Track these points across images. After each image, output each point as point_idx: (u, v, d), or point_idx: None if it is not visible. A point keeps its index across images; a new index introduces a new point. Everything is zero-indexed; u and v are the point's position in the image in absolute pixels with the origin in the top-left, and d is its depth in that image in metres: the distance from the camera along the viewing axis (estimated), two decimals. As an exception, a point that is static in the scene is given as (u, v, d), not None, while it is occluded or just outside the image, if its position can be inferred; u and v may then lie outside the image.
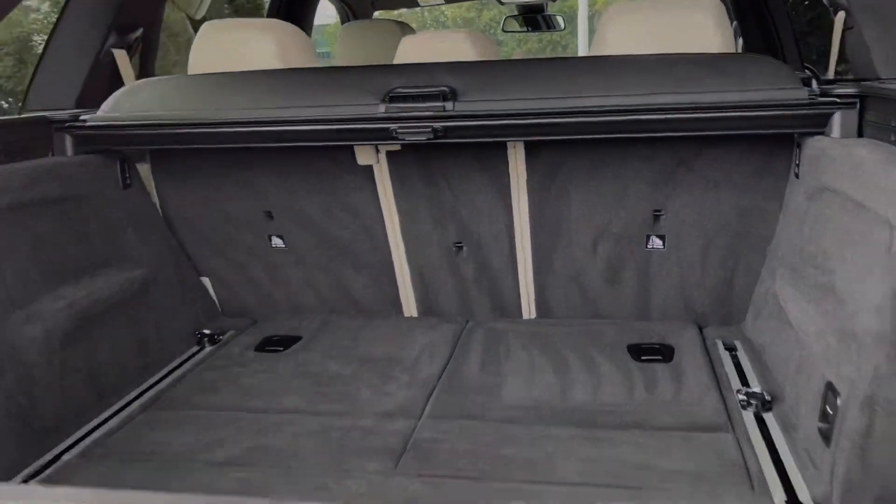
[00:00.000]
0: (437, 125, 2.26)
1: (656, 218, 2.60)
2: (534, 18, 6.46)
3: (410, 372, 2.44)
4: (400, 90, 2.32)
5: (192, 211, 2.84)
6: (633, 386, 2.28)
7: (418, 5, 7.51)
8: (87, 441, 2.10)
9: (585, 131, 2.29)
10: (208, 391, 2.38)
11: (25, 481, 1.89)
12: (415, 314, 2.97)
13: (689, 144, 2.46)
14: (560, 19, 6.53)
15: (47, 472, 1.94)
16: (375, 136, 2.37)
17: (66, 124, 2.49)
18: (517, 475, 1.84)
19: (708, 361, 2.42)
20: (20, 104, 2.72)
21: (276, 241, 2.88)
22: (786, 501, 1.70)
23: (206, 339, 2.80)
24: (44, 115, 2.49)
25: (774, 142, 2.40)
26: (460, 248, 2.79)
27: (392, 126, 2.28)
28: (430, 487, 1.79)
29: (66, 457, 2.02)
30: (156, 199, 2.83)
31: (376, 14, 6.17)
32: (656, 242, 2.64)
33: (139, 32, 2.85)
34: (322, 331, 2.84)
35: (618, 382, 2.30)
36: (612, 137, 2.38)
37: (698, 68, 2.28)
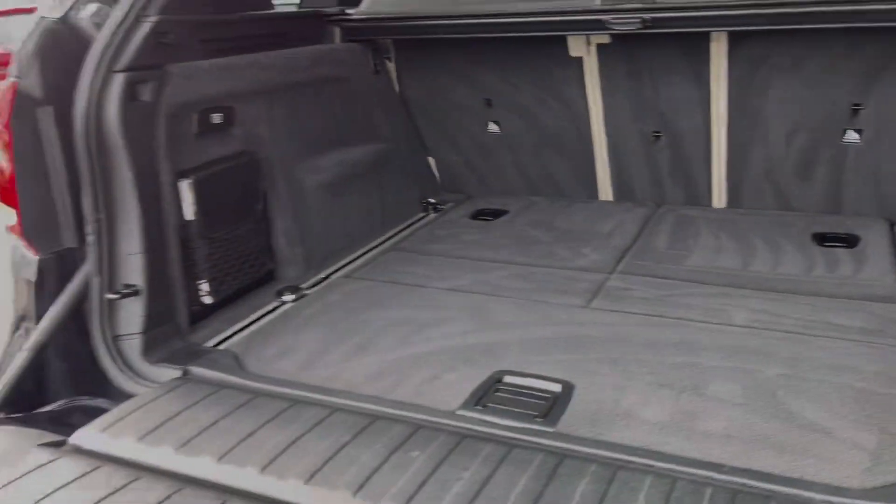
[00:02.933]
0: (647, 16, 2.53)
1: (854, 112, 2.70)
2: None
3: (605, 240, 2.81)
4: None
5: (425, 97, 3.34)
6: (814, 264, 2.48)
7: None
8: (349, 267, 2.71)
9: (796, 21, 2.42)
10: (436, 242, 2.91)
11: (301, 296, 2.49)
12: (610, 198, 3.30)
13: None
14: None
15: (321, 285, 2.56)
16: (588, 27, 2.69)
17: (336, 17, 3.05)
18: (694, 316, 2.16)
19: (894, 250, 2.54)
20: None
21: (493, 127, 3.31)
22: None
23: (430, 207, 3.34)
24: (318, 10, 3.06)
25: None
26: (658, 136, 3.05)
27: (605, 17, 2.58)
28: (619, 318, 2.17)
29: (333, 276, 2.63)
30: (397, 86, 3.36)
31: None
32: (852, 136, 2.74)
33: None
34: (527, 208, 3.27)
35: (799, 260, 2.51)
36: (824, 28, 2.48)
37: None
